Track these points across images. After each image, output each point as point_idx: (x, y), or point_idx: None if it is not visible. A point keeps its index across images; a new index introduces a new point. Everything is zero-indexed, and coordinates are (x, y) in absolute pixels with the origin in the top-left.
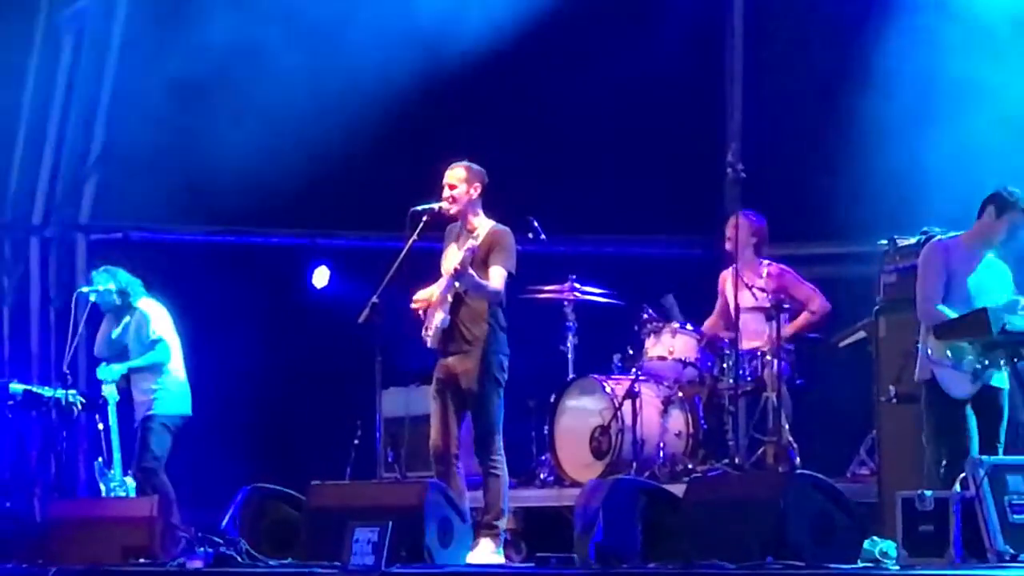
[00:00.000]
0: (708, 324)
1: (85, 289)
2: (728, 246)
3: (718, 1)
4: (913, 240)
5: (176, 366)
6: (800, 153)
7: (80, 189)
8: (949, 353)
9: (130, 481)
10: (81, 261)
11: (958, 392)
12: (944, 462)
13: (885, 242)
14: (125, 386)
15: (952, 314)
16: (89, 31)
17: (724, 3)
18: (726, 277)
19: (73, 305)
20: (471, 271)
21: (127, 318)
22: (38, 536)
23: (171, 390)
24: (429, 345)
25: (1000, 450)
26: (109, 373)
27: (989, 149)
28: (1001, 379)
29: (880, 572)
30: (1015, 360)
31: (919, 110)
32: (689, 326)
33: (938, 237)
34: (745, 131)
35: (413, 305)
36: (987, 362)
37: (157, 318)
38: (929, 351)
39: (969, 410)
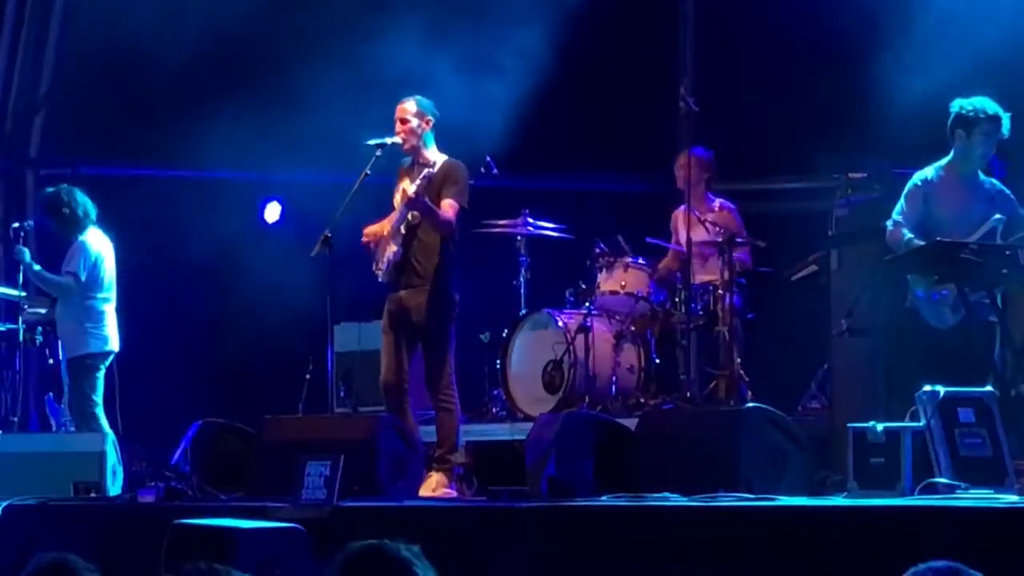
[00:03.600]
0: (663, 265)
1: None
2: (680, 184)
3: None
4: (864, 175)
5: (107, 302)
6: (752, 88)
7: (29, 123)
8: (922, 285)
9: None
10: (30, 195)
11: (938, 322)
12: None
13: (837, 176)
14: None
15: (919, 243)
16: None
17: None
18: (678, 216)
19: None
20: (425, 199)
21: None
22: None
23: (100, 327)
24: (380, 279)
25: (990, 383)
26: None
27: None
28: (992, 312)
29: (830, 504)
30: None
31: (871, 41)
32: (641, 260)
33: (922, 172)
34: (697, 66)
35: (363, 239)
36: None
37: (90, 253)
38: (909, 282)
39: (951, 340)
